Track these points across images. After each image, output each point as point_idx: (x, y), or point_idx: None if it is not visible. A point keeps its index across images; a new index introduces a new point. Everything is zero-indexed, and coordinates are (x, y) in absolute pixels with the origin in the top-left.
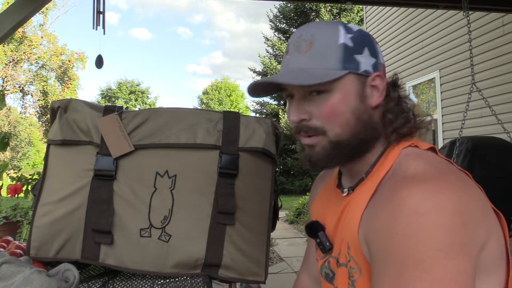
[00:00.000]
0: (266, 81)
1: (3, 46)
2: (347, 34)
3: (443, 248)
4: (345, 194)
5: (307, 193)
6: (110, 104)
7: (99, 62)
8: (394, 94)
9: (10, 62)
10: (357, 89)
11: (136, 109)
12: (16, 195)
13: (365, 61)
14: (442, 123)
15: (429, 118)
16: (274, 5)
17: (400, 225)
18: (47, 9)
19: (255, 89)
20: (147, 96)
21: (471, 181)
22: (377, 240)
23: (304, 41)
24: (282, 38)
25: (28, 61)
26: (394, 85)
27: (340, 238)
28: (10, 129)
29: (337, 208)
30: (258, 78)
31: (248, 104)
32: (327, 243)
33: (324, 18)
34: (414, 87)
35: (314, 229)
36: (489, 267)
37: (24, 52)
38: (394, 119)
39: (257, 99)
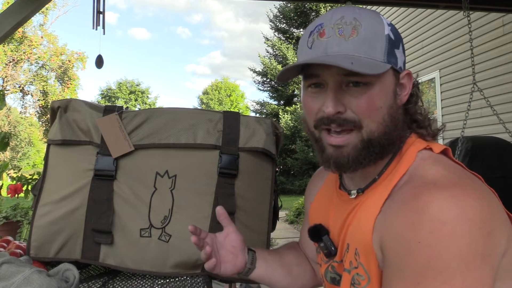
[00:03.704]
0: (318, 61)
1: (3, 46)
2: (388, 26)
3: (466, 259)
4: (353, 197)
5: None
6: (110, 104)
7: (99, 62)
8: (418, 93)
9: (10, 62)
10: (393, 85)
11: (136, 109)
12: (16, 195)
13: (400, 57)
14: (442, 123)
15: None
16: (274, 5)
17: (422, 233)
18: (47, 9)
19: (289, 71)
20: (147, 96)
21: (486, 186)
22: (395, 247)
23: (347, 25)
24: (282, 38)
25: (28, 61)
26: (417, 84)
27: (345, 242)
28: (10, 129)
29: (341, 211)
30: (258, 78)
31: (248, 104)
32: (332, 248)
33: None
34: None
35: (318, 233)
36: (506, 273)
37: (24, 52)
38: (422, 120)
39: (257, 99)
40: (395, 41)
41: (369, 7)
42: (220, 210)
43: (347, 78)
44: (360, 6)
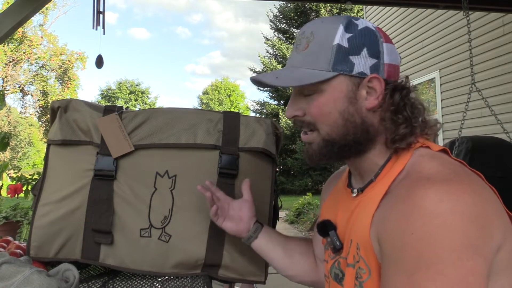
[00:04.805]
0: (254, 79)
1: (3, 46)
2: (346, 34)
3: (458, 250)
4: (354, 195)
5: (307, 193)
6: (110, 104)
7: (99, 62)
8: (395, 98)
9: (10, 62)
10: (347, 91)
11: (136, 109)
12: (16, 195)
13: (361, 62)
14: (442, 123)
15: (435, 127)
16: (274, 5)
17: (415, 226)
18: (47, 9)
19: (258, 84)
20: (147, 96)
21: (485, 184)
22: (390, 239)
23: (303, 39)
24: (282, 38)
25: (28, 61)
26: (396, 88)
27: (349, 238)
28: (10, 129)
29: (347, 208)
30: None
31: (248, 104)
32: (337, 243)
33: None
34: (414, 87)
35: (325, 228)
36: (502, 269)
37: (24, 52)
38: (391, 126)
39: (257, 99)
40: (349, 49)
41: (369, 7)
42: (246, 183)
43: (299, 88)
44: (361, 5)
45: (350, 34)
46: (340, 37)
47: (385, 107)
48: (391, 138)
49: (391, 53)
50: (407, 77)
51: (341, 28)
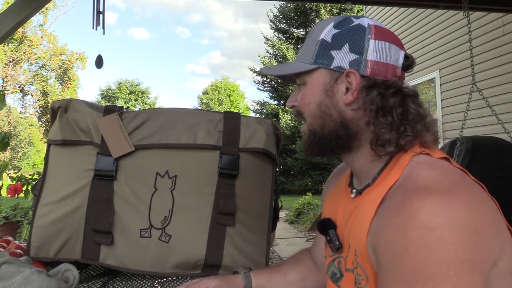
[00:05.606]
0: (261, 73)
1: (3, 46)
2: (333, 30)
3: (454, 265)
4: (353, 196)
5: (307, 193)
6: (110, 104)
7: (99, 62)
8: (371, 95)
9: (10, 62)
10: (325, 84)
11: (136, 109)
12: (16, 195)
13: (341, 57)
14: (442, 123)
15: (435, 138)
16: (274, 5)
17: (410, 239)
18: (47, 9)
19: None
20: (147, 96)
21: (486, 195)
22: (386, 252)
23: (306, 37)
24: (282, 38)
25: (28, 61)
26: (373, 85)
27: (348, 241)
28: (10, 129)
29: (347, 208)
30: (258, 78)
31: (248, 104)
32: (337, 242)
33: (324, 18)
34: (414, 87)
35: (325, 226)
36: (498, 283)
37: (24, 52)
38: (370, 126)
39: (257, 99)
40: (331, 44)
41: (369, 7)
42: None
43: (298, 81)
44: (361, 5)
45: (338, 30)
46: (327, 33)
47: (365, 105)
48: (374, 141)
49: (382, 51)
50: (399, 77)
51: (330, 25)
